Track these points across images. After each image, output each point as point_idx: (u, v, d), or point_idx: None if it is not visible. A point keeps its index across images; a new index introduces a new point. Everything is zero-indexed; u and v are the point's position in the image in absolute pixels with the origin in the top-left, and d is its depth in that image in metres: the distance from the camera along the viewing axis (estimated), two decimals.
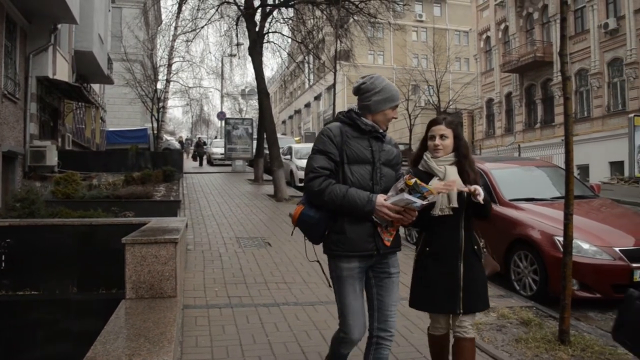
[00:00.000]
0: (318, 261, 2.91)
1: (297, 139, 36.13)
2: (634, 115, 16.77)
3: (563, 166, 4.11)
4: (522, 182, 6.98)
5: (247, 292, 5.40)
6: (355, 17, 16.35)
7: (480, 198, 2.78)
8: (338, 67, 24.09)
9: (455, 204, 2.86)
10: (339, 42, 17.41)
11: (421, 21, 50.79)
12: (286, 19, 17.87)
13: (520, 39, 29.50)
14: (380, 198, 2.53)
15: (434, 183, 2.81)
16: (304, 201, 2.69)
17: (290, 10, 17.59)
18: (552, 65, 26.31)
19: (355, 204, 2.53)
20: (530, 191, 6.65)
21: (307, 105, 58.39)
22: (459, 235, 2.91)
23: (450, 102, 33.54)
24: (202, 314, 4.69)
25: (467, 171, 2.96)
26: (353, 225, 2.59)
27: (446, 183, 2.76)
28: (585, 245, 5.29)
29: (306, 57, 22.58)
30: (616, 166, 21.16)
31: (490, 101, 33.29)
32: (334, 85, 13.86)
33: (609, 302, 5.29)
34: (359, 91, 2.77)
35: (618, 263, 5.18)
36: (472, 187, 2.79)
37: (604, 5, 24.01)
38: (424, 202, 2.50)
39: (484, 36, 33.73)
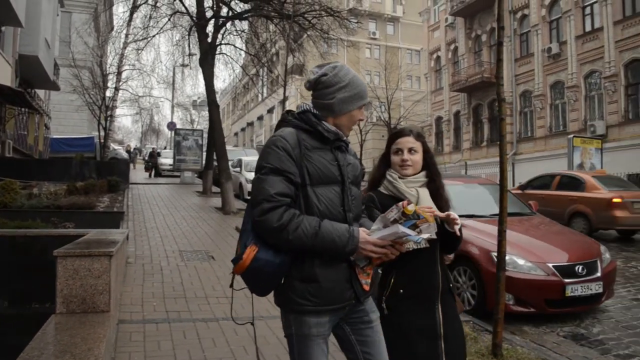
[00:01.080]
0: (252, 323, 2.30)
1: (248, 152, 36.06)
2: (574, 136, 17.52)
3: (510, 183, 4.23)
4: (465, 199, 7.12)
5: (186, 307, 5.29)
6: (309, 33, 16.48)
7: (457, 228, 2.32)
8: (291, 81, 24.17)
9: (433, 235, 2.13)
10: (292, 56, 17.50)
11: (375, 39, 51.66)
12: (239, 32, 17.85)
13: (469, 60, 30.43)
14: (362, 233, 1.97)
15: None
16: (255, 240, 1.93)
17: (244, 22, 17.59)
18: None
19: (332, 243, 1.91)
20: (471, 208, 6.80)
21: (260, 118, 58.28)
22: (437, 272, 2.44)
23: (401, 119, 34.17)
24: (137, 330, 4.55)
25: (441, 194, 2.49)
26: (327, 269, 1.96)
27: (429, 209, 2.20)
28: (521, 261, 5.44)
29: (260, 70, 22.58)
30: None
31: (439, 119, 34.11)
32: (283, 100, 13.85)
33: (543, 316, 5.47)
34: (317, 85, 2.08)
35: (551, 279, 5.36)
36: (451, 215, 2.30)
37: (548, 31, 25.12)
38: (425, 237, 1.99)
39: (435, 56, 34.64)
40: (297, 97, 33.67)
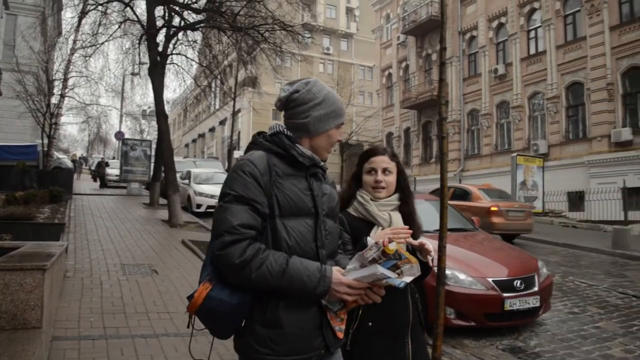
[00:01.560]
0: None
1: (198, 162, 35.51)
2: (517, 155, 18.14)
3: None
4: None
5: (125, 323, 5.13)
6: (262, 46, 16.47)
7: (431, 258, 2.13)
8: (243, 93, 24.08)
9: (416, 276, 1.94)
10: (244, 69, 17.45)
11: (328, 54, 52.19)
12: (191, 42, 17.66)
13: (419, 78, 31.14)
14: (336, 273, 1.75)
15: (378, 235, 2.16)
16: (211, 276, 1.73)
17: (197, 33, 17.43)
18: (447, 104, 27.86)
19: (301, 284, 1.69)
20: None
21: (212, 130, 57.69)
22: (407, 304, 2.29)
23: (352, 134, 34.55)
24: (72, 347, 4.38)
25: (413, 219, 2.33)
26: (293, 313, 1.73)
27: (405, 230, 2.14)
28: (462, 276, 5.56)
29: (212, 82, 22.40)
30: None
31: (390, 135, 34.66)
32: (233, 113, 13.79)
33: (483, 329, 5.59)
34: (289, 104, 1.89)
35: (490, 293, 5.49)
36: (425, 245, 2.09)
37: (495, 52, 26.05)
38: (408, 280, 1.74)
39: (387, 73, 35.28)
40: (250, 109, 33.50)
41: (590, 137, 20.76)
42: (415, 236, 2.21)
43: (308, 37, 18.14)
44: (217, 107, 37.36)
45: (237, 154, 38.35)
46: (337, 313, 1.80)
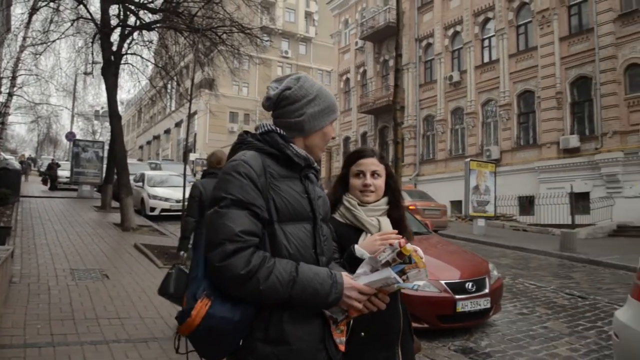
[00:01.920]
0: None
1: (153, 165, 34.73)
2: (470, 160, 18.55)
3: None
4: None
5: (74, 329, 4.97)
6: (220, 48, 16.31)
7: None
8: (200, 95, 23.79)
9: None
10: (201, 70, 17.22)
11: (287, 57, 52.23)
12: (147, 42, 17.32)
13: (376, 83, 31.48)
14: (347, 278, 1.63)
15: (365, 242, 2.02)
16: (209, 291, 1.53)
17: (153, 33, 17.11)
18: (404, 110, 28.32)
19: (314, 292, 1.55)
20: None
21: (167, 132, 56.80)
22: (398, 312, 2.17)
23: None
24: (17, 355, 4.22)
25: (404, 225, 2.22)
26: (298, 325, 1.59)
27: (385, 235, 1.99)
28: None
29: (167, 83, 22.02)
30: (455, 205, 23.15)
31: (347, 139, 34.88)
32: (189, 115, 13.60)
33: (436, 331, 5.68)
34: (280, 102, 1.75)
35: (443, 295, 5.59)
36: (419, 251, 1.90)
37: (450, 60, 26.61)
38: (420, 284, 1.67)
39: (344, 77, 35.52)
40: (206, 112, 33.14)
41: (540, 143, 21.44)
42: (410, 239, 2.09)
43: (267, 41, 18.05)
44: (172, 108, 36.80)
45: (192, 156, 37.88)
46: (338, 324, 1.69)
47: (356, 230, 2.07)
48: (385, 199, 2.23)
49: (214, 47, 16.46)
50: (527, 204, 21.42)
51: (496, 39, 24.05)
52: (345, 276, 1.63)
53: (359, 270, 1.69)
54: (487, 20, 24.78)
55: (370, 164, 2.21)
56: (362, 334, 2.03)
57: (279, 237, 1.61)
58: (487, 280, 6.00)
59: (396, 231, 2.06)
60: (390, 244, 1.69)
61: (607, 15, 18.97)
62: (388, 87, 30.16)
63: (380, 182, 2.21)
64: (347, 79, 35.21)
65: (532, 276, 9.63)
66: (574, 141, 19.85)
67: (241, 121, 50.67)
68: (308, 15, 55.75)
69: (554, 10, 21.11)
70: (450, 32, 26.62)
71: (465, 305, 5.61)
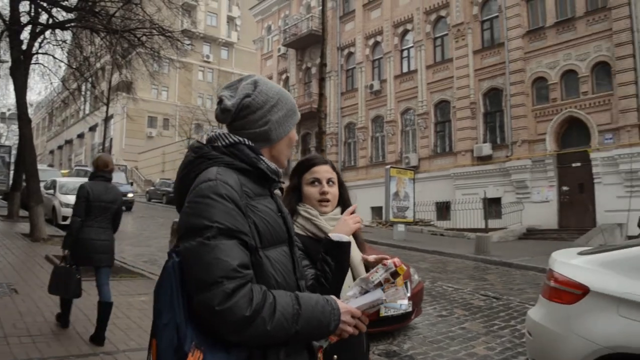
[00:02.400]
0: None
1: (64, 171, 32.96)
2: (390, 167, 19.04)
3: None
4: None
5: None
6: (138, 50, 15.80)
7: None
8: (117, 98, 22.92)
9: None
10: (119, 73, 16.61)
11: (208, 62, 51.51)
12: (60, 42, 16.47)
13: (299, 90, 31.65)
14: (339, 302, 1.51)
15: (340, 224, 1.94)
16: (198, 342, 1.32)
17: (67, 33, 16.29)
18: (326, 117, 28.66)
19: (317, 323, 1.41)
20: None
21: (81, 136, 54.30)
22: (363, 333, 1.96)
23: None
24: None
25: (358, 234, 2.07)
26: None
27: (358, 218, 1.90)
28: None
29: (82, 85, 21.05)
30: (376, 211, 23.67)
31: None
32: (106, 119, 13.09)
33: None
34: (240, 112, 1.54)
35: None
36: (375, 258, 1.92)
37: (371, 69, 27.26)
38: (405, 302, 1.64)
39: None
40: (123, 115, 31.98)
41: (455, 151, 22.38)
42: (364, 251, 2.08)
43: (188, 44, 17.70)
44: (87, 112, 35.20)
45: None
46: (317, 352, 1.59)
47: (318, 242, 1.92)
48: (339, 209, 2.10)
49: (132, 49, 15.92)
50: (444, 209, 22.28)
51: (414, 50, 24.92)
52: (338, 301, 1.51)
53: (349, 293, 1.61)
54: (406, 31, 25.62)
55: (325, 171, 2.08)
56: (335, 356, 1.91)
57: (266, 266, 1.44)
58: (408, 284, 6.15)
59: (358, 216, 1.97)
60: (384, 264, 1.63)
61: (516, 31, 20.17)
62: (310, 94, 30.42)
63: (336, 191, 2.10)
64: None
65: (449, 279, 10.00)
66: (486, 149, 20.88)
67: (160, 126, 49.33)
68: (230, 20, 55.28)
69: (468, 24, 22.18)
70: (371, 42, 27.28)
71: (388, 309, 5.72)
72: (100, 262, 5.12)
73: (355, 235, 2.04)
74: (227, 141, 1.52)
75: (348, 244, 1.81)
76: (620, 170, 16.90)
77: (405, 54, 25.80)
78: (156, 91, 47.15)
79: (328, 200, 2.05)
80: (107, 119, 12.43)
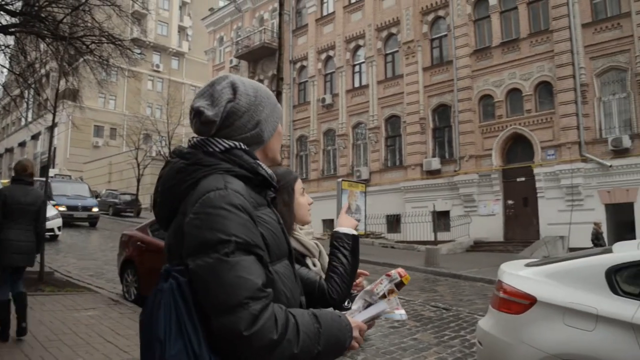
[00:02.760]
0: None
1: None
2: (342, 180, 19.21)
3: None
4: None
5: None
6: (86, 57, 15.40)
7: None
8: (62, 106, 22.18)
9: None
10: (65, 80, 16.09)
11: (158, 71, 50.68)
12: (3, 47, 15.85)
13: None
14: (349, 317, 1.45)
15: (317, 268, 1.92)
16: None
17: (10, 37, 15.69)
18: None
19: (336, 340, 1.34)
20: None
21: (22, 144, 52.24)
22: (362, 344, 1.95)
23: None
24: None
25: (324, 252, 2.05)
26: None
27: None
28: None
29: (25, 92, 20.29)
30: (328, 223, 23.76)
31: None
32: (52, 127, 12.62)
33: None
34: (227, 120, 1.40)
35: None
36: (399, 271, 1.82)
37: (323, 83, 27.50)
38: (403, 312, 1.64)
39: None
40: (69, 124, 30.96)
41: (405, 165, 22.80)
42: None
43: (139, 54, 17.38)
44: (30, 119, 33.86)
45: (52, 172, 35.07)
46: None
47: (300, 256, 1.89)
48: (309, 225, 2.08)
49: (79, 56, 15.50)
50: (394, 222, 22.61)
51: (366, 65, 25.33)
52: (348, 315, 1.46)
53: (354, 307, 1.58)
54: (358, 47, 26.03)
55: (301, 185, 2.04)
56: None
57: (277, 282, 1.34)
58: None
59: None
60: (388, 275, 1.62)
61: (464, 50, 20.84)
62: None
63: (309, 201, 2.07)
64: None
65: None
66: (435, 164, 21.38)
67: (107, 136, 48.09)
68: (182, 29, 54.68)
69: (418, 42, 22.76)
70: (324, 56, 27.55)
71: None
72: (20, 262, 5.34)
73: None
74: (222, 146, 1.37)
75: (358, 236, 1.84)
76: (561, 185, 17.65)
77: (357, 68, 26.19)
78: (103, 100, 46.02)
79: (309, 215, 2.03)
80: (52, 127, 11.94)
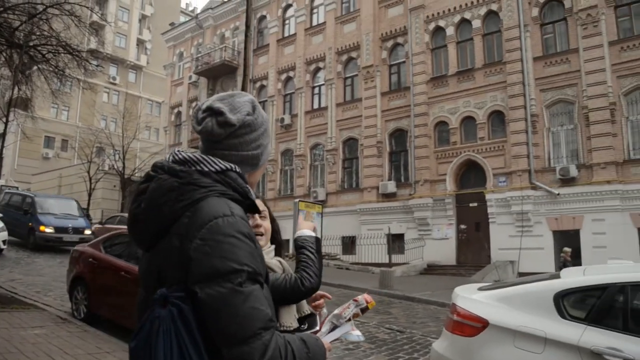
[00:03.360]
0: None
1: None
2: (299, 200, 19.25)
3: None
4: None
5: None
6: (41, 66, 15.03)
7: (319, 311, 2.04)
8: (14, 115, 21.53)
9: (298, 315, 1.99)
10: (18, 89, 15.67)
11: (114, 84, 49.79)
12: None
13: None
14: (322, 340, 1.50)
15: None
16: None
17: None
18: None
19: None
20: None
21: None
22: None
23: (136, 170, 33.20)
24: None
25: (288, 268, 2.09)
26: None
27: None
28: None
29: None
30: (284, 242, 23.63)
31: None
32: (3, 135, 12.23)
33: None
34: (239, 130, 1.42)
35: None
36: (366, 297, 1.86)
37: (282, 103, 27.66)
38: (359, 333, 1.74)
39: (176, 110, 34.81)
40: (18, 133, 30.00)
41: (362, 187, 23.03)
42: None
43: (97, 66, 17.08)
44: None
45: None
46: None
47: None
48: (273, 247, 2.12)
49: (33, 64, 15.13)
50: (349, 243, 22.73)
51: (325, 87, 25.63)
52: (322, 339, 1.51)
53: (324, 329, 1.67)
54: (318, 69, 26.33)
55: (258, 204, 2.04)
56: None
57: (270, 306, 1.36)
58: (318, 318, 6.22)
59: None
60: (355, 300, 1.70)
61: (421, 77, 21.39)
62: None
63: (268, 225, 2.09)
64: (179, 112, 34.54)
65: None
66: (391, 187, 21.70)
67: (58, 147, 46.69)
68: (140, 42, 54.00)
69: (377, 67, 23.23)
70: (284, 76, 27.74)
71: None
72: None
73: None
74: (217, 167, 1.35)
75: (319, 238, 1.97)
76: (512, 211, 18.19)
77: (316, 90, 26.46)
78: (56, 110, 44.76)
79: (261, 234, 2.03)
80: (3, 136, 11.56)
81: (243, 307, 1.19)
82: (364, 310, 1.71)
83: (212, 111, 1.41)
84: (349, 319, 1.67)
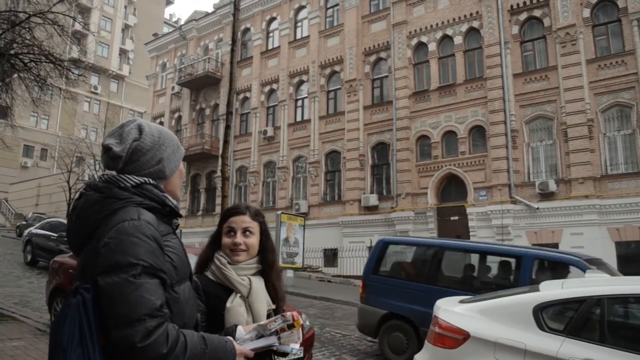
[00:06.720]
0: None
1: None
2: (281, 213, 19.23)
3: None
4: None
5: None
6: (22, 75, 14.90)
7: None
8: None
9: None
10: None
11: (96, 93, 49.46)
12: None
13: (191, 130, 31.29)
14: (235, 344, 1.65)
15: (235, 303, 1.98)
16: None
17: None
18: (218, 159, 28.46)
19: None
20: None
21: None
22: None
23: None
24: None
25: (273, 284, 2.14)
26: None
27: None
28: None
29: None
30: None
31: None
32: None
33: None
34: (133, 156, 1.61)
35: None
36: (294, 314, 1.86)
37: (265, 115, 27.72)
38: (297, 347, 1.81)
39: (158, 121, 34.57)
40: None
41: (344, 200, 23.10)
42: (278, 307, 2.13)
43: (80, 75, 16.96)
44: None
45: None
46: None
47: (227, 290, 2.02)
48: (256, 258, 2.14)
49: (14, 72, 14.98)
50: (331, 256, 22.73)
51: (309, 100, 25.76)
52: (234, 342, 1.66)
53: (246, 336, 1.75)
54: (301, 82, 26.48)
55: (241, 221, 2.12)
56: None
57: (180, 301, 1.55)
58: (300, 331, 6.22)
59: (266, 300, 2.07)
60: (283, 315, 1.78)
61: (404, 91, 21.63)
62: (203, 135, 30.20)
63: (253, 241, 2.12)
64: (162, 123, 34.25)
65: (337, 325, 10.19)
66: (373, 200, 21.81)
67: (37, 156, 46.10)
68: (123, 52, 53.74)
69: (360, 81, 23.45)
70: (267, 89, 27.82)
71: (281, 353, 5.74)
72: None
73: (274, 284, 2.15)
74: (133, 182, 1.58)
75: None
76: (492, 225, 18.40)
77: (299, 103, 26.58)
78: (36, 118, 44.30)
79: (243, 250, 2.09)
80: None
81: (133, 295, 1.38)
82: (290, 327, 1.78)
83: (105, 148, 1.62)
84: (276, 332, 1.76)
